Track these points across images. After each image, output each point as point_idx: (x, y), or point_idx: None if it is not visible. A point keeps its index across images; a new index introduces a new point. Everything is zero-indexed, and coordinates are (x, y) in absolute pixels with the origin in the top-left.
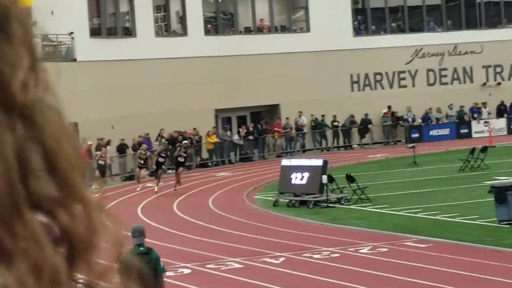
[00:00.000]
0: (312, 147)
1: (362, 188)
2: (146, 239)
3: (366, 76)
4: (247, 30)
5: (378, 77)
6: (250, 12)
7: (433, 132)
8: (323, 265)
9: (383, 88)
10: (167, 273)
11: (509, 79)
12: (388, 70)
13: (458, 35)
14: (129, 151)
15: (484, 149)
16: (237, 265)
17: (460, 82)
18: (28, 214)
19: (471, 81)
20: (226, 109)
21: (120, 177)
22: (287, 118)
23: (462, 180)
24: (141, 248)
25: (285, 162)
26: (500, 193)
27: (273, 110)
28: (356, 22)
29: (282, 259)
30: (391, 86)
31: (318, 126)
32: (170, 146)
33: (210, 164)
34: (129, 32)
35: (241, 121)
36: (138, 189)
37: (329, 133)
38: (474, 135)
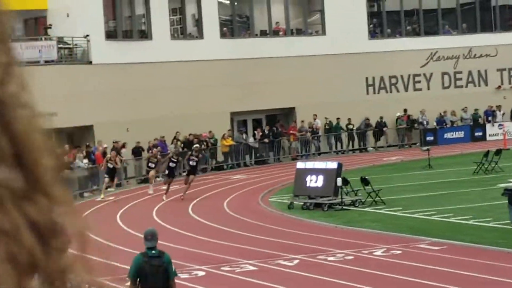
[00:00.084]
0: (327, 150)
1: (376, 191)
2: (161, 241)
3: (381, 79)
4: (263, 33)
5: (393, 80)
6: (266, 15)
7: (448, 135)
8: (337, 267)
9: (398, 91)
10: (182, 276)
11: None
12: (403, 73)
13: (473, 38)
14: (145, 154)
15: (498, 152)
16: (252, 267)
17: (474, 85)
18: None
19: (486, 84)
20: (242, 112)
21: (135, 180)
22: (302, 121)
23: (476, 182)
24: (153, 252)
25: (300, 165)
26: None
27: (288, 113)
28: (371, 25)
29: (296, 261)
30: (406, 89)
31: (332, 129)
32: (185, 149)
33: (225, 167)
34: (144, 35)
35: (257, 124)
36: (150, 191)
37: (344, 136)
38: (488, 138)
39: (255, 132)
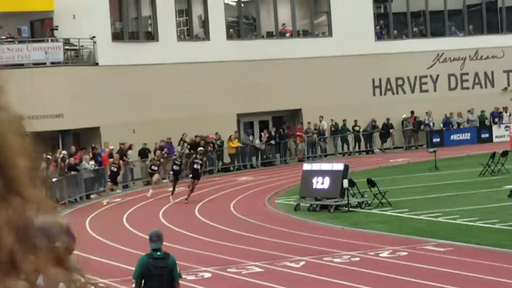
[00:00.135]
0: (334, 151)
1: (382, 193)
2: (167, 243)
3: (388, 80)
4: (269, 35)
5: (400, 82)
6: (273, 16)
7: (454, 137)
8: (343, 269)
9: (404, 92)
10: (188, 277)
11: None
12: (409, 75)
13: (479, 39)
14: (151, 155)
15: (505, 154)
16: (258, 269)
17: (481, 87)
18: None
19: (492, 86)
20: (248, 114)
21: (142, 182)
22: (308, 123)
23: (483, 184)
24: (158, 253)
25: (306, 166)
26: None
27: (295, 114)
28: (378, 27)
29: (302, 263)
30: (412, 91)
31: (338, 131)
32: (192, 151)
33: (232, 168)
34: (151, 36)
35: (263, 125)
36: (148, 194)
37: (350, 138)
38: (495, 140)
39: (262, 133)
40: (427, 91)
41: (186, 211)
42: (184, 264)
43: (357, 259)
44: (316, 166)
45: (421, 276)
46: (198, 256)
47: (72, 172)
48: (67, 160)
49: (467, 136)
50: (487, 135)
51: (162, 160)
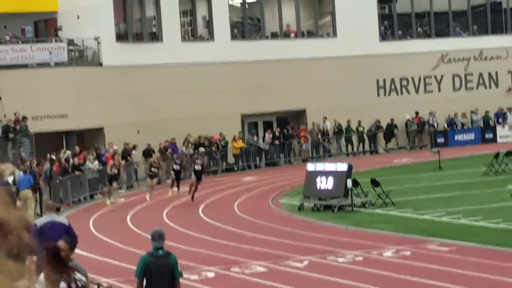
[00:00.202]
0: (338, 152)
1: (386, 192)
2: (171, 243)
3: (392, 81)
4: (274, 35)
5: (404, 82)
6: (277, 17)
7: (458, 137)
8: (346, 268)
9: (409, 93)
10: (192, 277)
11: None
12: (414, 75)
13: (483, 40)
14: (156, 155)
15: (509, 154)
16: (261, 269)
17: (485, 87)
18: None
19: (497, 86)
20: (253, 114)
21: (146, 182)
22: (313, 123)
23: (486, 184)
24: (160, 252)
25: (310, 166)
26: None
27: (299, 115)
28: (382, 27)
29: (306, 262)
30: (417, 91)
31: (341, 131)
32: (196, 150)
33: (236, 169)
34: (155, 37)
35: (267, 126)
36: (147, 197)
37: (354, 138)
38: (499, 140)
39: (266, 133)
40: (431, 91)
41: (190, 211)
42: (188, 264)
43: (361, 258)
44: (320, 166)
45: (424, 276)
46: (202, 256)
47: (76, 172)
48: (71, 160)
49: (471, 136)
50: (491, 136)
51: (161, 162)
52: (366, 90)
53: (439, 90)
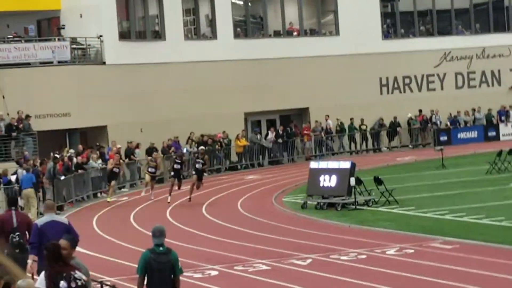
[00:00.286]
0: (341, 150)
1: (389, 191)
2: (174, 241)
3: (395, 79)
4: (277, 34)
5: (407, 81)
6: (280, 15)
7: (461, 135)
8: (350, 267)
9: (412, 91)
10: (195, 275)
11: None
12: (417, 74)
13: (486, 38)
14: (159, 154)
15: (511, 152)
16: (265, 267)
17: (488, 85)
18: None
19: (499, 84)
20: (256, 113)
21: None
22: (316, 122)
23: (489, 182)
24: (161, 248)
25: (313, 164)
26: None
27: (302, 113)
28: (385, 26)
29: (309, 260)
30: (419, 90)
31: (343, 130)
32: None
33: (239, 167)
34: (158, 35)
35: (270, 124)
36: (142, 193)
37: (357, 136)
38: (502, 138)
39: (269, 132)
40: (434, 89)
41: (193, 210)
42: (191, 262)
43: (364, 256)
44: (323, 164)
45: (427, 274)
46: (205, 254)
47: (79, 171)
48: (74, 159)
49: (474, 134)
50: (494, 134)
51: (159, 161)
52: (369, 88)
53: (442, 88)
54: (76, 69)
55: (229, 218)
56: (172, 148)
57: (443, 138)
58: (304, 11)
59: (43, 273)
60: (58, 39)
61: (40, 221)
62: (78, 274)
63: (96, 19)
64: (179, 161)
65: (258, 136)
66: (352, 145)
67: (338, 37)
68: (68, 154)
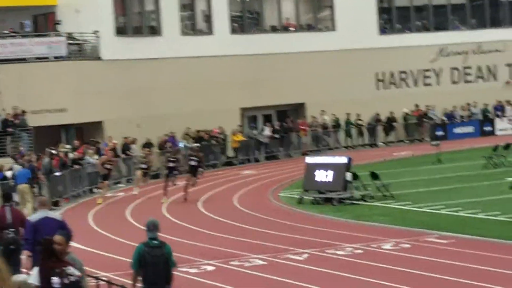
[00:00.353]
0: (337, 145)
1: (386, 186)
2: (170, 236)
3: (391, 74)
4: (273, 29)
5: (403, 76)
6: (276, 11)
7: (458, 130)
8: (346, 261)
9: (408, 86)
10: (191, 270)
11: None
12: (413, 69)
13: (482, 33)
14: (155, 149)
15: (507, 147)
16: (261, 262)
17: (484, 81)
18: None
19: (495, 79)
20: (252, 108)
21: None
22: (313, 117)
23: (485, 177)
24: (155, 242)
25: (309, 159)
26: None
27: (298, 108)
28: (381, 21)
29: (305, 255)
30: (416, 85)
31: (338, 125)
32: (196, 144)
33: (235, 162)
34: (154, 30)
35: (267, 119)
36: (135, 192)
37: (354, 131)
38: (498, 133)
39: (265, 127)
40: (430, 84)
41: (190, 205)
42: (187, 257)
43: (360, 251)
44: (319, 159)
45: (423, 268)
46: (201, 249)
47: (75, 167)
48: (70, 155)
49: (470, 129)
50: (490, 128)
51: (150, 157)
52: (365, 83)
53: (438, 84)
54: (72, 65)
55: (225, 213)
56: (169, 144)
57: (439, 133)
58: (301, 6)
59: (36, 268)
60: (54, 35)
61: (33, 218)
62: (71, 270)
63: (93, 14)
64: (174, 159)
65: (254, 131)
66: (349, 140)
67: (335, 32)
68: (64, 150)
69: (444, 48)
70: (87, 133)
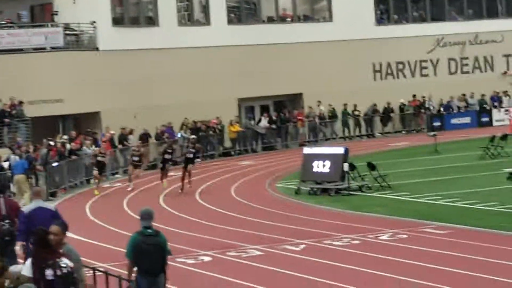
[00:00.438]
0: (334, 135)
1: (383, 176)
2: (167, 227)
3: (388, 65)
4: (270, 20)
5: (400, 66)
6: (273, 1)
7: (455, 121)
8: (343, 252)
9: (405, 77)
10: (188, 261)
11: None
12: (410, 59)
13: (479, 24)
14: (152, 140)
15: (504, 137)
16: (258, 253)
17: (481, 71)
18: None
19: (492, 70)
20: (249, 98)
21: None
22: (310, 107)
23: (482, 167)
24: (149, 230)
25: (307, 150)
26: None
27: (296, 99)
28: (378, 12)
29: (302, 246)
30: (413, 75)
31: (334, 116)
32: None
33: (233, 153)
34: (152, 21)
35: (264, 110)
36: (129, 188)
37: (351, 122)
38: (495, 123)
39: (262, 117)
40: (427, 75)
41: (187, 196)
42: (184, 248)
43: (357, 242)
44: (316, 149)
45: (420, 259)
46: (198, 240)
47: (73, 157)
48: (68, 145)
49: (467, 120)
50: (487, 119)
51: (142, 150)
52: (362, 74)
53: (435, 74)
54: (69, 55)
55: (223, 204)
56: (166, 134)
57: (437, 123)
58: None
59: (29, 260)
60: (51, 25)
61: (27, 208)
62: (64, 261)
63: (90, 5)
64: (170, 151)
65: (252, 122)
66: (346, 130)
67: (332, 23)
68: (61, 140)
69: (441, 38)
70: (84, 123)
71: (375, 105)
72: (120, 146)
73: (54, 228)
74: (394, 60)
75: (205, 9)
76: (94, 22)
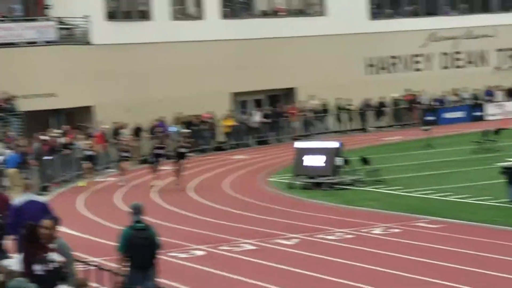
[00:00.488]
0: (326, 130)
1: (376, 170)
2: (160, 221)
3: (382, 59)
4: (264, 14)
5: (394, 61)
6: None
7: (448, 115)
8: (336, 246)
9: (398, 71)
10: (180, 255)
11: None
12: (403, 54)
13: (472, 18)
14: (144, 134)
15: (497, 132)
16: (251, 247)
17: (474, 66)
18: None
19: (485, 65)
20: (243, 93)
21: (135, 161)
22: (303, 101)
23: (475, 162)
24: (140, 224)
25: (300, 144)
26: (511, 174)
27: (289, 93)
28: (372, 6)
29: (295, 240)
30: (406, 70)
31: (326, 110)
32: (187, 130)
33: (226, 147)
34: (145, 15)
35: (257, 104)
36: (120, 183)
37: (344, 116)
38: (488, 118)
39: (256, 111)
40: (420, 69)
41: (180, 190)
42: (177, 242)
43: (350, 236)
44: (309, 144)
45: (413, 253)
46: (191, 234)
47: (65, 151)
48: (60, 139)
49: (460, 114)
50: (480, 114)
51: (132, 144)
52: (355, 68)
53: (428, 69)
54: (62, 49)
55: (215, 198)
56: (159, 128)
57: (430, 118)
58: None
59: (19, 255)
60: (44, 19)
61: (18, 201)
62: (53, 256)
63: None
64: (162, 146)
65: (245, 116)
66: (339, 125)
67: (325, 17)
68: (54, 135)
69: (434, 33)
70: (77, 117)
71: (368, 99)
72: (113, 140)
73: (46, 222)
74: (387, 54)
75: (199, 3)
76: (87, 16)
